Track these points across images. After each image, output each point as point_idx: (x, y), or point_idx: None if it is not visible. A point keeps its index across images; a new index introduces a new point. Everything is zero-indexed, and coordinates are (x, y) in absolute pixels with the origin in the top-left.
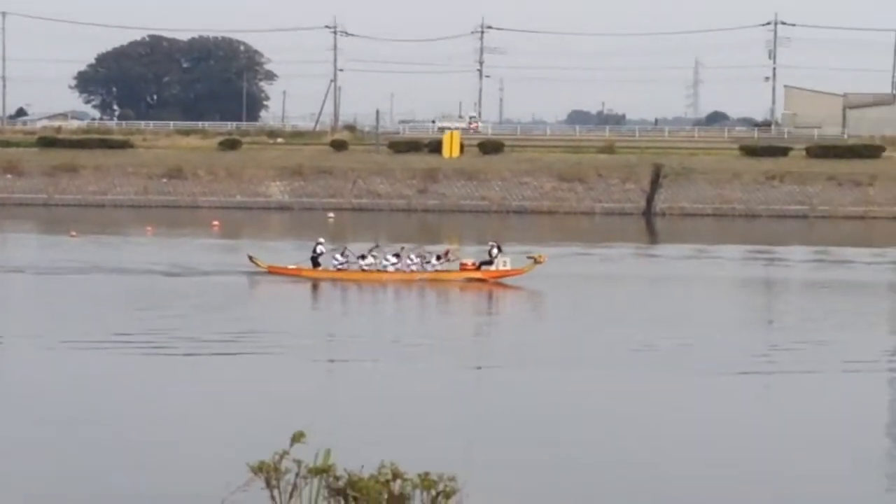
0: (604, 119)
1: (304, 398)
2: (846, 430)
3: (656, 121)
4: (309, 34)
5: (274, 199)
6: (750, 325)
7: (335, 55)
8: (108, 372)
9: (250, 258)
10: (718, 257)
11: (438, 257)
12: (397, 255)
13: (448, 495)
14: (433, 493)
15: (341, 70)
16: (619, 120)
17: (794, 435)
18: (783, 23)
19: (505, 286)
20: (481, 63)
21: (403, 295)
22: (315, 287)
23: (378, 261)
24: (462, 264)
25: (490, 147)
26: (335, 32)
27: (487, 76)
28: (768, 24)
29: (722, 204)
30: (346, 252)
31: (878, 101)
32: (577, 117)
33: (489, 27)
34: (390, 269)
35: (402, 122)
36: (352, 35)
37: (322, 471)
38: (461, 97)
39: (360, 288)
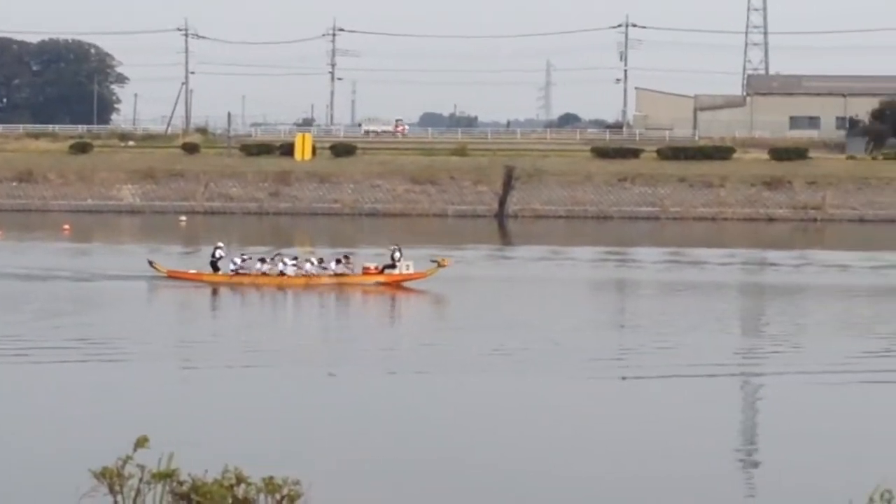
0: (456, 121)
1: (150, 403)
2: (694, 433)
3: (508, 123)
4: (160, 37)
5: (125, 202)
6: (603, 328)
7: (186, 58)
8: None
9: (150, 263)
10: (572, 259)
11: (338, 261)
12: (295, 259)
13: (293, 499)
14: (277, 496)
15: (192, 73)
16: (471, 122)
17: (645, 438)
18: (634, 25)
19: (408, 290)
20: (333, 65)
21: (297, 299)
22: (215, 292)
23: (275, 265)
24: (365, 268)
25: (342, 149)
26: (186, 35)
27: (340, 78)
28: (619, 26)
29: (574, 206)
30: (245, 256)
31: (729, 103)
32: (429, 119)
33: (341, 29)
34: (289, 272)
35: (254, 124)
36: (203, 38)
37: (166, 475)
38: (313, 100)
39: (261, 292)
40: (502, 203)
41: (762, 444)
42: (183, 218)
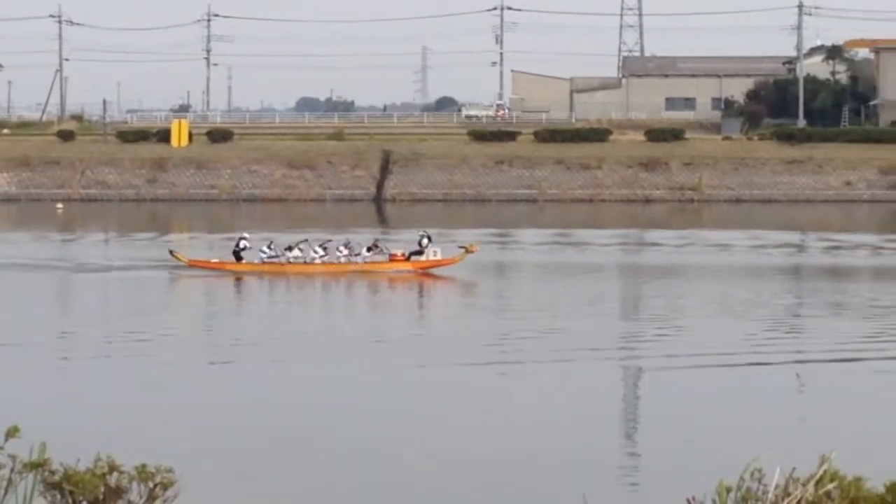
0: (333, 106)
1: (29, 394)
2: (575, 417)
3: (385, 107)
4: (34, 24)
5: (0, 190)
6: (484, 313)
7: (60, 45)
8: None
9: (171, 252)
10: (453, 241)
11: (369, 248)
12: (325, 247)
13: (165, 486)
14: (150, 484)
15: (67, 60)
16: (348, 107)
17: (526, 423)
18: (510, 8)
19: (435, 276)
20: (209, 51)
21: (311, 288)
22: (238, 280)
23: (306, 253)
24: (391, 255)
25: (219, 135)
26: (60, 22)
27: (215, 64)
28: (495, 9)
29: (452, 189)
30: (273, 245)
31: (605, 85)
32: (306, 104)
33: (216, 15)
34: (318, 261)
35: (130, 111)
36: (78, 24)
37: (37, 465)
38: (190, 86)
39: (288, 281)
40: (380, 187)
41: (641, 428)
42: (60, 205)
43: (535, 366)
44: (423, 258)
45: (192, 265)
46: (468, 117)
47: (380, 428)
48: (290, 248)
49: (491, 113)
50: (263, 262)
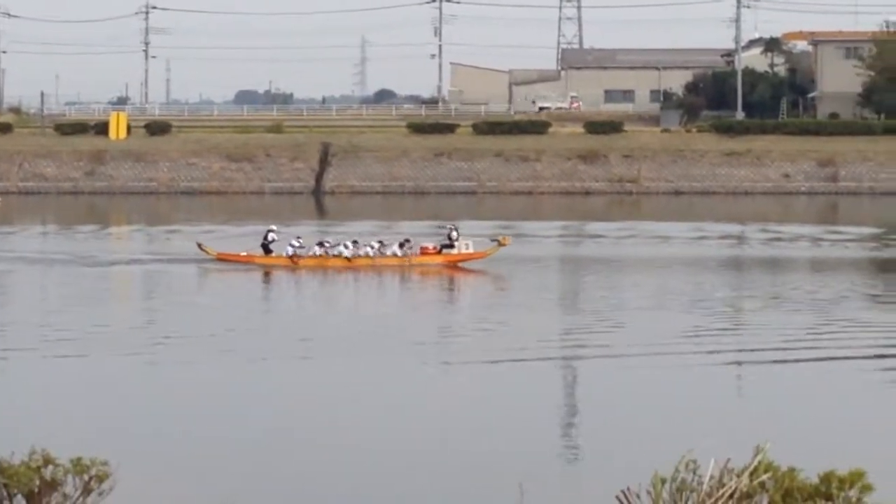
0: (271, 98)
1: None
2: (514, 411)
3: (324, 99)
4: None
5: None
6: (428, 307)
7: None
8: None
9: (199, 245)
10: (398, 234)
11: (401, 245)
12: (355, 242)
13: (101, 479)
14: (85, 477)
15: (4, 52)
16: (286, 99)
17: (463, 416)
18: (449, 0)
19: (465, 270)
20: (147, 44)
21: (336, 282)
22: (266, 274)
23: (335, 247)
24: (422, 248)
25: (157, 128)
26: None
27: (154, 56)
28: (434, 1)
29: (391, 181)
30: (301, 239)
31: (544, 78)
32: (244, 97)
33: (154, 7)
34: (346, 254)
35: (69, 104)
36: (15, 17)
37: None
38: (128, 78)
39: (314, 275)
40: (319, 180)
41: (579, 421)
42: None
43: (477, 365)
44: (454, 251)
45: (220, 258)
46: (541, 109)
47: (328, 418)
48: (320, 244)
49: (566, 105)
50: (292, 256)
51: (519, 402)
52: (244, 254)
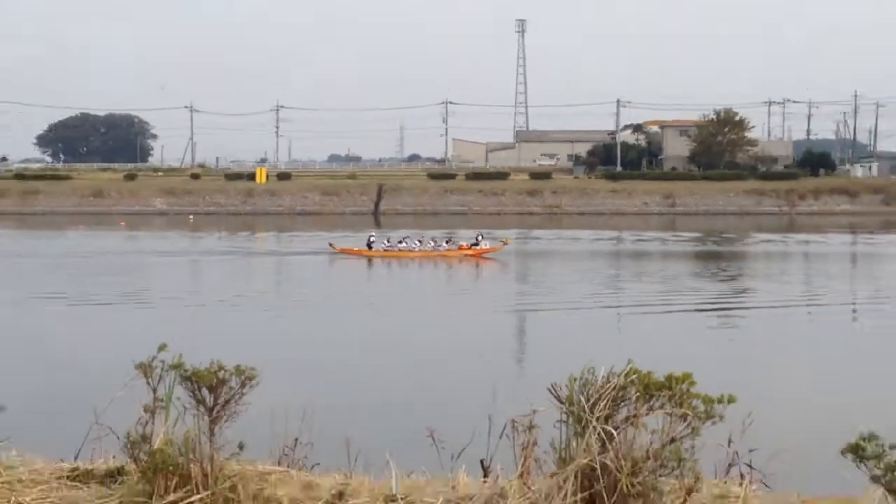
0: (348, 159)
1: (178, 329)
2: (488, 344)
3: (380, 159)
4: (174, 112)
5: (157, 208)
6: (448, 282)
7: (192, 125)
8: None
9: (330, 244)
10: (436, 237)
11: (447, 241)
12: (420, 241)
13: (251, 378)
14: (242, 377)
15: (194, 135)
16: (357, 159)
17: (438, 350)
18: (452, 103)
19: (483, 259)
20: (277, 127)
21: (412, 266)
22: (369, 261)
23: (408, 244)
24: (460, 246)
25: (283, 176)
26: (192, 111)
27: (281, 135)
28: (443, 103)
29: (418, 206)
30: (390, 239)
31: (505, 147)
32: (334, 158)
33: (281, 106)
34: (416, 249)
35: (233, 161)
36: (200, 111)
37: (177, 366)
38: (266, 146)
39: (399, 262)
40: (376, 206)
41: (528, 349)
42: (191, 217)
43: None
44: (479, 247)
45: (342, 252)
46: (542, 164)
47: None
48: (400, 241)
49: (552, 162)
50: (384, 251)
51: (495, 334)
52: (356, 249)
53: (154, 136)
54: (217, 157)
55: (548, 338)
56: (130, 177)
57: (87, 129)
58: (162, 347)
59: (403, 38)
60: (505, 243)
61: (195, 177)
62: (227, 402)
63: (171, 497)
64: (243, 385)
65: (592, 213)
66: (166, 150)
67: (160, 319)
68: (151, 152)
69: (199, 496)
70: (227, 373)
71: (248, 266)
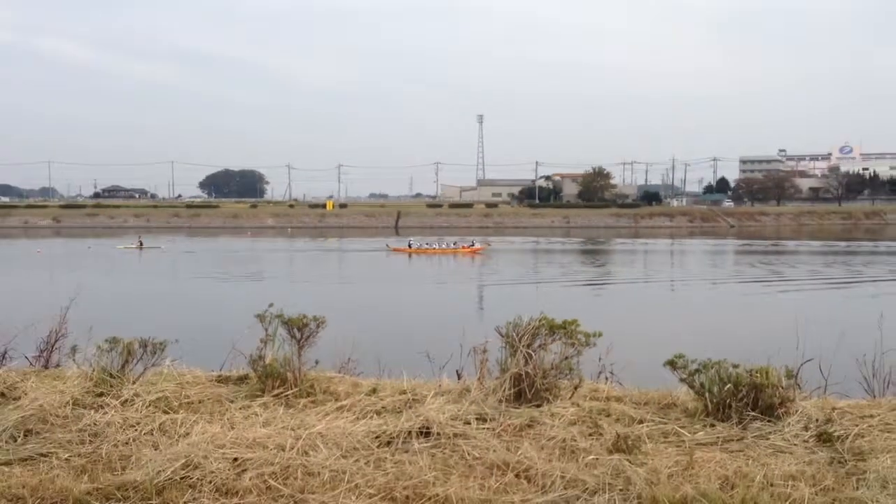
0: (380, 196)
1: (283, 294)
2: (453, 304)
3: (398, 196)
4: (278, 168)
5: (269, 224)
6: (444, 271)
7: (290, 183)
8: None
9: (387, 245)
10: (447, 240)
11: (455, 243)
12: (437, 241)
13: (322, 323)
14: (316, 323)
15: (292, 191)
16: (384, 196)
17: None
18: (440, 163)
19: (474, 254)
20: (339, 181)
21: (436, 260)
22: (409, 256)
23: (433, 244)
24: (463, 246)
25: (342, 206)
26: (290, 170)
27: (341, 182)
28: (434, 164)
29: (422, 225)
30: (420, 241)
31: (472, 189)
32: (374, 195)
33: (342, 165)
34: (436, 247)
35: (314, 196)
36: (295, 169)
37: (279, 316)
38: (332, 189)
39: (429, 257)
40: (396, 224)
41: (486, 308)
42: (290, 229)
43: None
44: (475, 246)
45: (394, 250)
46: (493, 199)
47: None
48: (428, 243)
49: (500, 198)
50: (418, 248)
51: (470, 298)
52: (402, 247)
53: (268, 182)
54: (304, 194)
55: (499, 299)
56: (253, 206)
57: (227, 178)
58: (271, 306)
59: (411, 125)
60: (488, 245)
61: (291, 206)
62: (308, 336)
63: (276, 391)
64: (318, 327)
65: (521, 226)
66: (274, 190)
67: (273, 288)
68: (266, 192)
69: (292, 391)
70: (308, 319)
71: (328, 258)
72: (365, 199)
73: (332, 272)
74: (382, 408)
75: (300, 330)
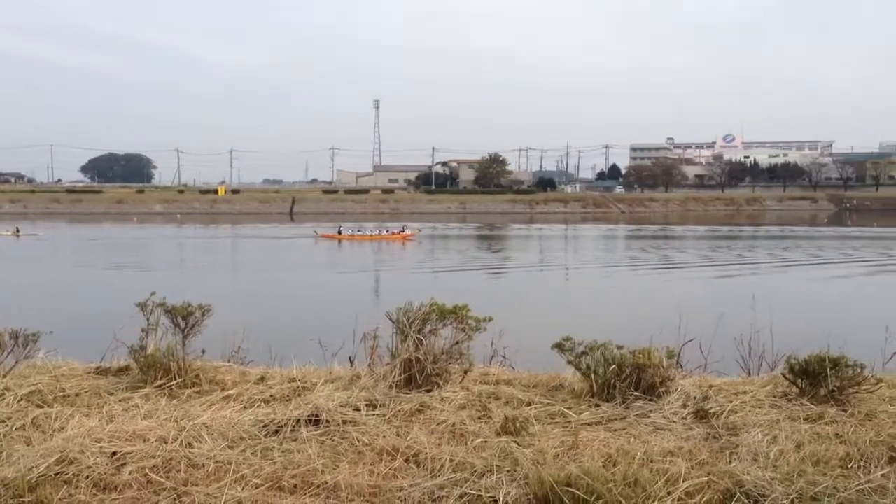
0: (274, 181)
1: (168, 283)
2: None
3: (293, 182)
4: (167, 152)
5: (157, 210)
6: (372, 255)
7: (178, 160)
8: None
9: (315, 231)
10: (359, 229)
11: (387, 230)
12: (366, 228)
13: (205, 312)
14: (202, 310)
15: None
16: (279, 182)
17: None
18: (336, 148)
19: (408, 241)
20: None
21: (367, 245)
22: (339, 242)
23: (360, 231)
24: (393, 231)
25: (234, 191)
26: (177, 154)
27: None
28: (331, 148)
29: (317, 211)
30: (349, 227)
31: (368, 174)
32: (268, 181)
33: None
34: (367, 233)
35: (205, 182)
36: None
37: (162, 304)
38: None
39: (361, 244)
40: (291, 210)
41: (384, 293)
42: (179, 215)
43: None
44: (405, 232)
45: (323, 237)
46: (389, 185)
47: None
48: (359, 230)
49: (396, 184)
50: (348, 235)
51: (372, 285)
52: (331, 233)
53: (155, 167)
54: (194, 179)
55: (397, 287)
56: (140, 191)
57: (112, 161)
58: (153, 293)
59: (307, 111)
60: (419, 231)
61: (181, 192)
62: (193, 325)
63: (158, 383)
64: (203, 315)
65: (418, 212)
66: (163, 175)
67: (159, 277)
68: (154, 177)
69: (176, 382)
70: (193, 307)
71: (217, 245)
72: (259, 185)
73: (229, 260)
74: (271, 396)
75: (184, 319)
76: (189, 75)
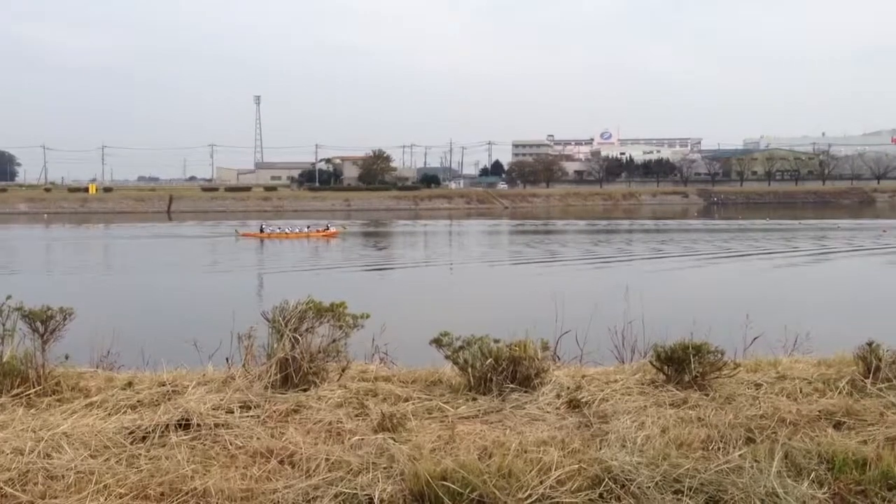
0: (148, 179)
1: (32, 286)
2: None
3: (168, 179)
4: (33, 149)
5: (21, 210)
6: (304, 251)
7: (45, 157)
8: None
9: (236, 231)
10: (246, 226)
11: (308, 227)
12: (296, 226)
13: (70, 314)
14: (64, 314)
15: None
16: (155, 180)
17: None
18: (215, 145)
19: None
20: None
21: (295, 243)
22: (261, 241)
23: (283, 229)
24: (318, 229)
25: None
26: (44, 150)
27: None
28: (210, 145)
29: (197, 210)
30: (272, 225)
31: (249, 172)
32: (144, 178)
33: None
34: (295, 231)
35: (74, 180)
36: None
37: (19, 308)
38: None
39: (281, 242)
40: (168, 208)
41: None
42: (46, 215)
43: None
44: (330, 230)
45: (244, 236)
46: (271, 182)
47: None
48: (279, 228)
49: (279, 181)
50: (269, 233)
51: (253, 285)
52: (252, 233)
53: (19, 164)
54: (62, 177)
55: (278, 286)
56: (3, 190)
57: None
58: (9, 297)
59: (185, 108)
60: (344, 228)
61: (47, 190)
62: (53, 330)
63: (15, 392)
64: (65, 319)
65: (302, 210)
66: (28, 173)
67: (20, 281)
68: (17, 175)
69: (34, 390)
70: (53, 311)
71: (88, 245)
72: (134, 183)
73: (100, 261)
74: (138, 402)
75: (44, 323)
76: (58, 69)
